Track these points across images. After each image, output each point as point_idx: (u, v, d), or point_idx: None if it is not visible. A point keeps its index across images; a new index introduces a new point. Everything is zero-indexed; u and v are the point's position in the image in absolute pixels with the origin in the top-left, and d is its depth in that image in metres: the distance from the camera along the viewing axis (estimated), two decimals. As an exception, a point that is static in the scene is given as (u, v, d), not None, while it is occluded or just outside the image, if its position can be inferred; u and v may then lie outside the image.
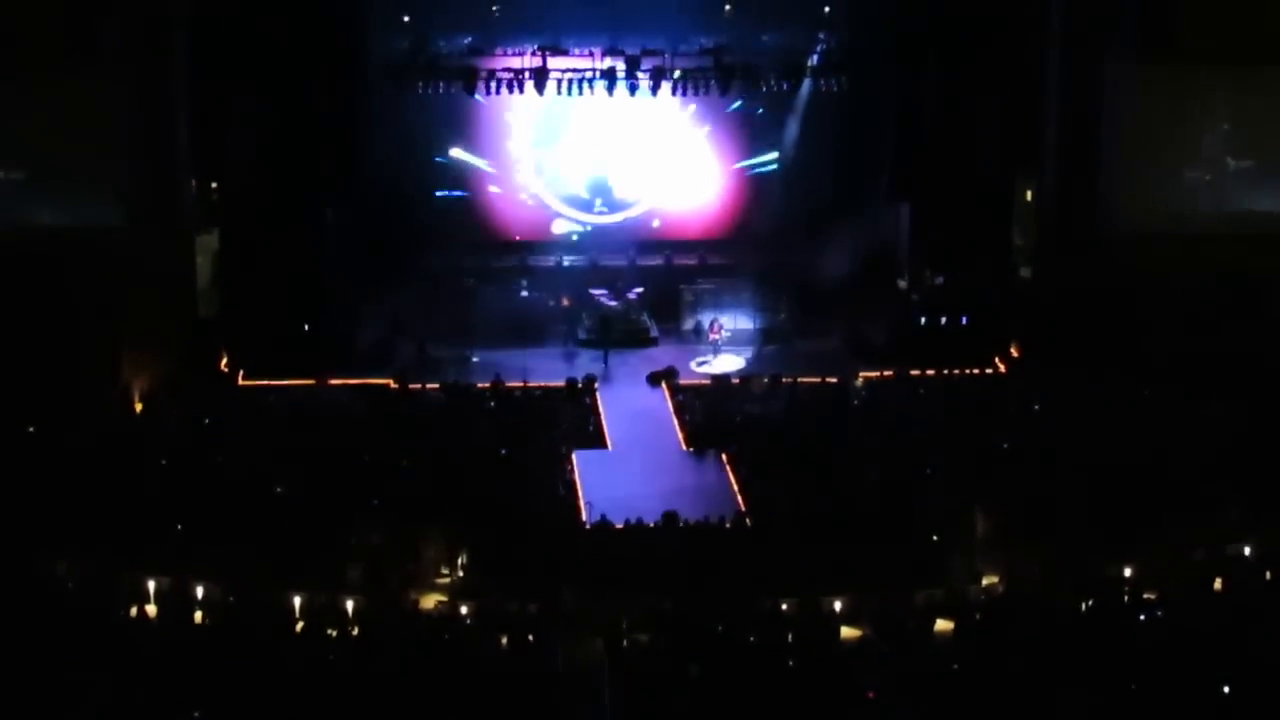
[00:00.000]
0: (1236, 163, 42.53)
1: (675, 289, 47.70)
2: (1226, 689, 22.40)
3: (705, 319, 45.60)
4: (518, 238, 49.26)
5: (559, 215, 49.45)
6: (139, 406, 38.48)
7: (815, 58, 45.83)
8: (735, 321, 45.96)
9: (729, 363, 44.09)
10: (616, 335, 44.97)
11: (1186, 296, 40.40)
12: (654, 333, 46.56)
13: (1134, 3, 41.89)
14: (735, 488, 33.58)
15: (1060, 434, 35.47)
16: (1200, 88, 41.42)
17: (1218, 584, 27.99)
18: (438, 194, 48.18)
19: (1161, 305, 40.45)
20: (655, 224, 49.49)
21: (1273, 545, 29.26)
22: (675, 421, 38.61)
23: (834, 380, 40.97)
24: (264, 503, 30.89)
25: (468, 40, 45.21)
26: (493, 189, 49.03)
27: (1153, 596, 27.12)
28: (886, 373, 41.56)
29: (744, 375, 41.41)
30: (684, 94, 45.55)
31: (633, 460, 36.04)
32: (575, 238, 49.45)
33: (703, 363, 44.31)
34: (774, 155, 49.12)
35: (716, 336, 45.00)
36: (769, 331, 45.81)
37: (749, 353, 44.48)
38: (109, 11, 39.51)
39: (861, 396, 39.81)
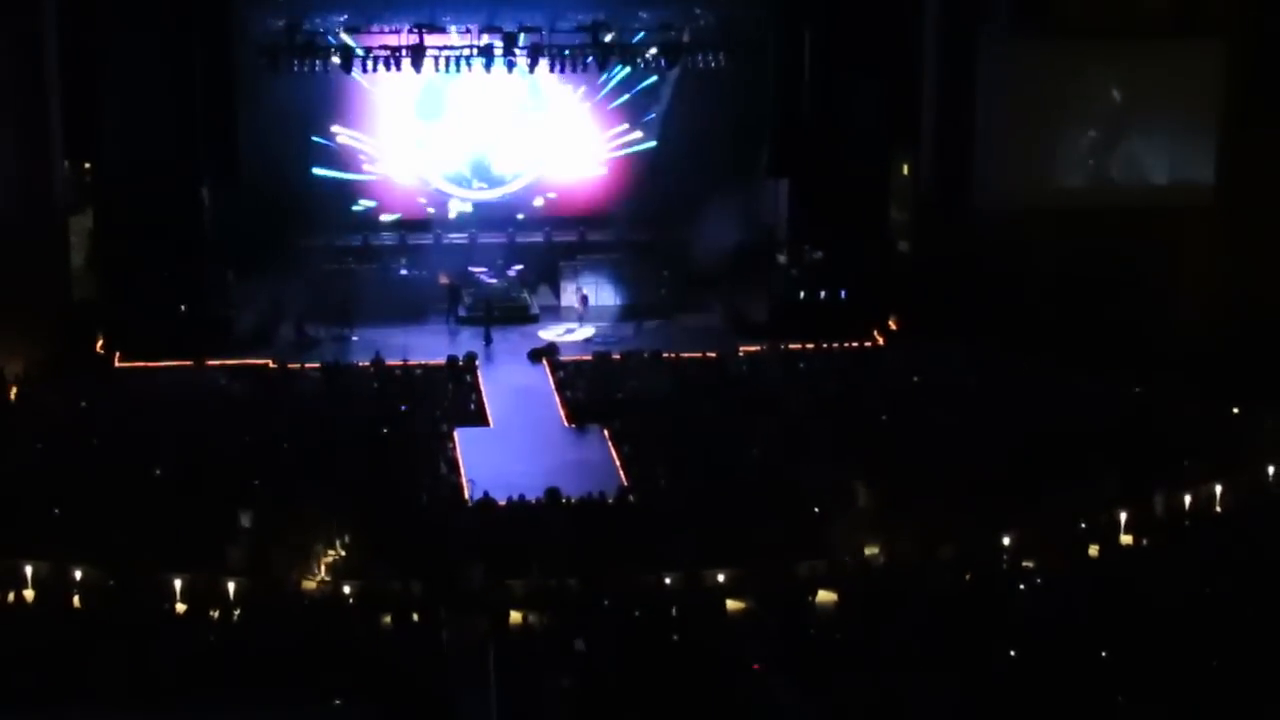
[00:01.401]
0: (1112, 136, 42.97)
1: (555, 265, 47.74)
2: (1104, 653, 22.75)
3: (571, 289, 45.89)
4: (397, 215, 48.93)
5: (448, 196, 49.20)
6: (13, 391, 37.91)
7: (693, 34, 45.95)
8: (615, 297, 46.16)
9: (589, 332, 44.63)
10: (497, 313, 44.92)
11: (1063, 268, 40.93)
12: (534, 309, 46.55)
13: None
14: (618, 463, 33.64)
15: (938, 406, 35.83)
16: (1075, 61, 41.79)
17: (1093, 550, 28.44)
18: (315, 172, 47.74)
19: (1038, 277, 40.93)
20: (537, 202, 49.33)
21: (1146, 512, 29.78)
22: (557, 398, 38.61)
23: (714, 355, 41.17)
24: (143, 485, 30.57)
25: (343, 18, 44.78)
26: (371, 167, 48.68)
27: (1030, 565, 27.48)
28: (766, 347, 41.76)
29: (625, 351, 41.44)
30: (561, 71, 45.54)
31: (515, 437, 36.03)
32: (454, 215, 49.16)
33: (569, 331, 44.75)
34: (646, 142, 49.10)
35: (581, 310, 45.31)
36: (649, 307, 45.88)
37: (628, 329, 44.55)
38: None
39: (741, 370, 39.99)
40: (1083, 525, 29.07)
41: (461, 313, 45.74)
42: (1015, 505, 29.43)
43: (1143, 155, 43.02)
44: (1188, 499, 30.30)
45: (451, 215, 49.19)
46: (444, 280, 46.69)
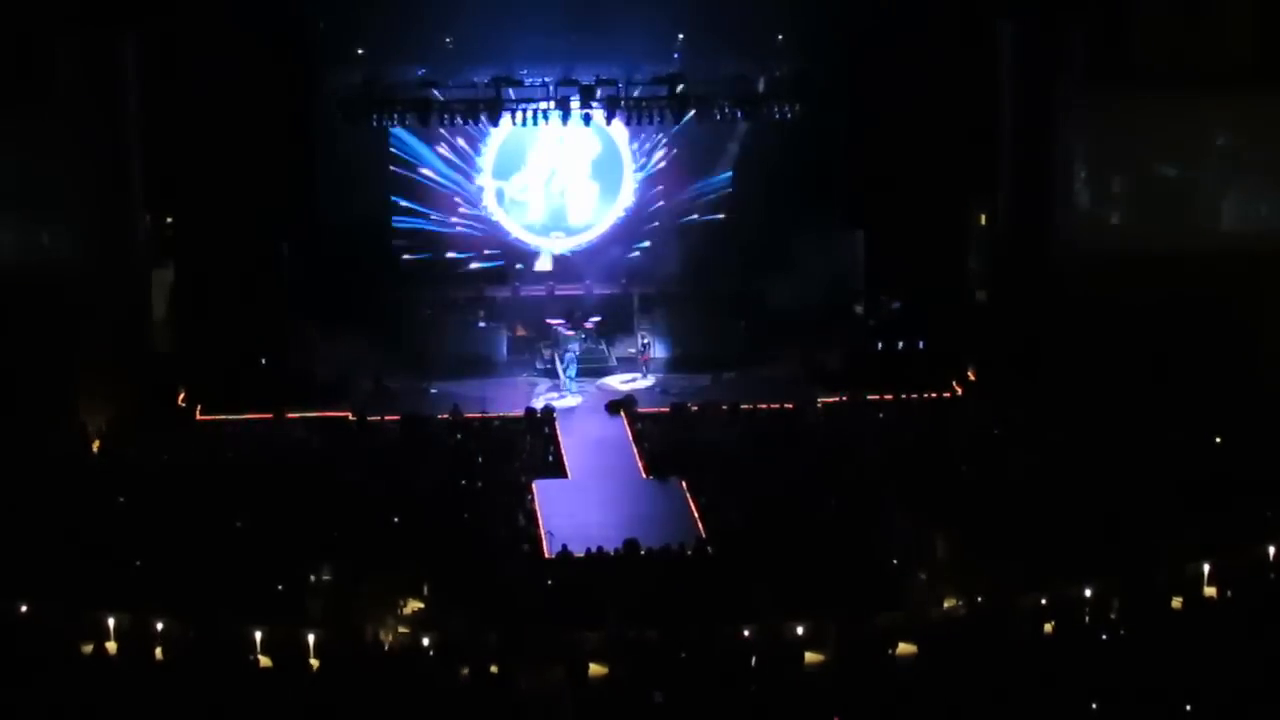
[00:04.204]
0: (1191, 183, 42.75)
1: (631, 317, 47.77)
2: (1189, 707, 22.50)
3: (639, 342, 45.86)
4: (475, 267, 49.13)
5: (526, 247, 49.41)
6: (96, 443, 38.24)
7: (768, 85, 46.01)
8: (686, 347, 46.12)
9: (649, 381, 44.84)
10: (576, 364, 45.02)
11: (1142, 317, 40.58)
12: (612, 361, 46.56)
13: (1086, 27, 42.09)
14: (695, 514, 33.58)
15: (1017, 457, 35.59)
16: (1153, 109, 41.61)
17: (1176, 603, 28.14)
18: (394, 224, 48.08)
19: (1117, 326, 40.62)
20: (612, 252, 49.37)
21: (1230, 564, 29.43)
22: (635, 450, 38.60)
23: (791, 406, 41.06)
24: (224, 537, 30.72)
25: (421, 72, 45.17)
26: (450, 220, 48.92)
27: (1113, 616, 27.21)
28: (844, 398, 41.64)
29: (702, 402, 41.39)
30: (638, 123, 45.75)
31: (593, 489, 36.01)
32: (537, 267, 49.33)
33: (629, 380, 44.81)
34: (728, 174, 49.17)
35: (646, 359, 45.34)
36: (726, 357, 45.83)
37: (704, 380, 44.48)
38: (61, 48, 39.35)
39: (819, 421, 39.87)
40: (1165, 577, 28.77)
41: (539, 365, 45.86)
42: (1097, 557, 29.16)
43: (1222, 202, 42.76)
44: (1271, 551, 29.93)
45: (536, 267, 49.40)
46: (520, 332, 46.90)
